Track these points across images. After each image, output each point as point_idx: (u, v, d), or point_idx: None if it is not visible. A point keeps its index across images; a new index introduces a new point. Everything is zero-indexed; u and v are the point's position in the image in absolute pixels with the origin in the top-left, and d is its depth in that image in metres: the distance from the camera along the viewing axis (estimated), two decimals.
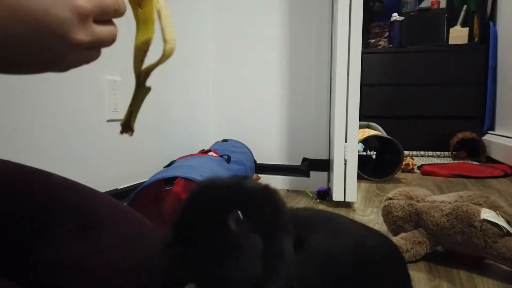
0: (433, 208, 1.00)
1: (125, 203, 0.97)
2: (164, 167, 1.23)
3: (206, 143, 1.87)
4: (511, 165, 2.29)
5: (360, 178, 2.05)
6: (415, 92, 3.08)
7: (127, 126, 0.42)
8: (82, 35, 0.30)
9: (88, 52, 0.33)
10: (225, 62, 1.92)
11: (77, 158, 1.13)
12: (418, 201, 1.06)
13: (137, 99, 0.41)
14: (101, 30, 0.33)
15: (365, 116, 2.95)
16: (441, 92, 3.03)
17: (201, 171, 1.04)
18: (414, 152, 3.00)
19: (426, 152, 3.01)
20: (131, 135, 0.43)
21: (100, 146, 1.21)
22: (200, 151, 1.49)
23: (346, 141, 1.48)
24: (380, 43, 3.15)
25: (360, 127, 2.55)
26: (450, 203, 0.99)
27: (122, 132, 0.42)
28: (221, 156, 1.33)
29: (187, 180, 1.06)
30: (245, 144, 1.74)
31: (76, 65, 0.34)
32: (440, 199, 1.02)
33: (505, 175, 2.16)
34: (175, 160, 1.27)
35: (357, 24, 1.44)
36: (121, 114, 1.27)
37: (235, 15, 1.88)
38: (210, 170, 1.10)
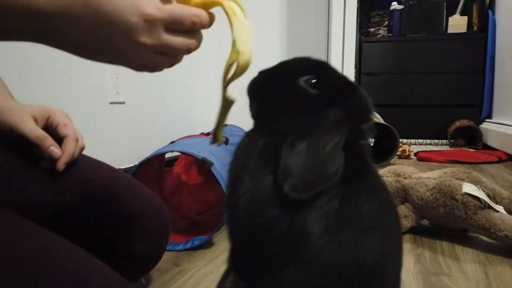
0: (419, 183, 1.06)
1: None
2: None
3: (207, 127, 1.92)
4: (506, 152, 2.33)
5: None
6: (415, 81, 3.10)
7: (215, 137, 0.45)
8: (146, 38, 0.35)
9: (157, 56, 0.37)
10: (226, 47, 1.96)
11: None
12: (405, 177, 1.11)
13: (222, 112, 0.43)
14: (171, 38, 0.36)
15: None
16: (440, 81, 3.06)
17: (199, 149, 1.10)
18: (413, 140, 3.03)
19: (424, 140, 3.04)
20: (219, 145, 0.46)
21: (103, 128, 1.27)
22: (201, 133, 1.55)
23: None
24: (380, 32, 3.17)
25: None
26: (434, 178, 1.04)
27: (212, 142, 0.46)
28: None
29: (185, 154, 1.11)
30: (244, 130, 1.79)
31: (149, 67, 0.39)
32: (425, 176, 1.08)
33: (500, 161, 2.20)
34: (175, 141, 1.33)
35: (352, 11, 1.48)
36: (124, 97, 1.33)
37: None
38: (208, 149, 1.16)
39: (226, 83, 0.41)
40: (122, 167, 1.35)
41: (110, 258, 0.54)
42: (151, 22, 0.34)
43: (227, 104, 0.42)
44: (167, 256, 0.90)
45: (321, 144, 0.38)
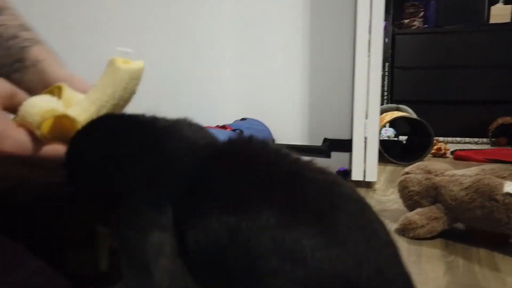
0: (452, 181, 0.93)
1: None
2: None
3: (225, 121, 1.85)
4: None
5: (387, 161, 1.97)
6: (452, 75, 2.91)
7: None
8: None
9: None
10: (244, 40, 1.88)
11: None
12: (436, 175, 0.98)
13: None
14: None
15: (397, 100, 2.83)
16: (480, 75, 2.85)
17: None
18: (449, 139, 2.85)
19: (462, 139, 2.85)
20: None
21: None
22: (216, 126, 1.48)
23: (366, 118, 1.41)
24: (414, 23, 3.00)
25: (389, 109, 2.45)
26: (471, 176, 0.91)
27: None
28: (233, 130, 1.31)
29: None
30: (265, 124, 1.71)
31: None
32: (460, 173, 0.95)
33: None
34: None
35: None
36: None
37: None
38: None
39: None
40: None
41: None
42: (8, 157, 0.33)
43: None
44: None
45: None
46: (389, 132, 2.72)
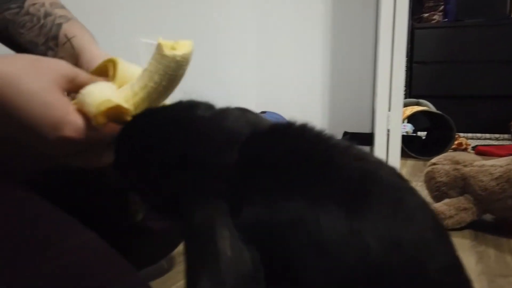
0: (482, 172, 0.92)
1: None
2: None
3: None
4: None
5: (407, 156, 1.95)
6: (472, 70, 2.86)
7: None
8: (57, 150, 0.36)
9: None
10: (265, 33, 1.88)
11: None
12: (465, 165, 0.97)
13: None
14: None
15: (416, 95, 2.79)
16: (501, 70, 2.79)
17: None
18: (469, 134, 2.79)
19: (483, 135, 2.80)
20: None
21: None
22: None
23: (389, 110, 1.40)
24: (434, 17, 2.95)
25: (409, 104, 2.42)
26: (501, 166, 0.89)
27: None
28: None
29: None
30: (285, 117, 1.71)
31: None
32: (490, 163, 0.93)
33: None
34: None
35: None
36: None
37: None
38: None
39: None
40: None
41: (122, 233, 0.48)
42: (64, 142, 0.35)
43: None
44: None
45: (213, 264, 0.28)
46: (407, 128, 2.68)
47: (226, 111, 0.39)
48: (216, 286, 0.27)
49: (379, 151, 1.41)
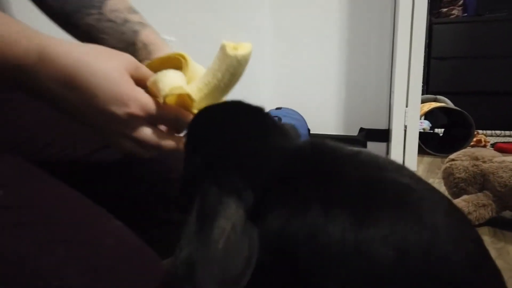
0: (502, 168, 0.90)
1: None
2: None
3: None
4: None
5: (424, 153, 1.93)
6: (492, 66, 2.80)
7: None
8: (120, 127, 0.37)
9: (126, 140, 0.39)
10: (281, 30, 1.88)
11: None
12: (484, 161, 0.96)
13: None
14: (144, 133, 0.38)
15: (434, 91, 2.75)
16: None
17: None
18: (488, 132, 2.74)
19: (503, 132, 2.74)
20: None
21: None
22: None
23: (406, 106, 1.39)
24: (453, 12, 2.90)
25: (427, 100, 2.39)
26: None
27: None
28: None
29: None
30: (300, 113, 1.71)
31: (114, 145, 0.40)
32: (510, 159, 0.92)
33: None
34: None
35: None
36: None
37: None
38: None
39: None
40: None
41: (144, 224, 0.49)
42: (130, 117, 0.36)
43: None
44: None
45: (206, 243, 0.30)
46: (424, 125, 2.65)
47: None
48: (202, 259, 0.29)
49: (395, 147, 1.40)
